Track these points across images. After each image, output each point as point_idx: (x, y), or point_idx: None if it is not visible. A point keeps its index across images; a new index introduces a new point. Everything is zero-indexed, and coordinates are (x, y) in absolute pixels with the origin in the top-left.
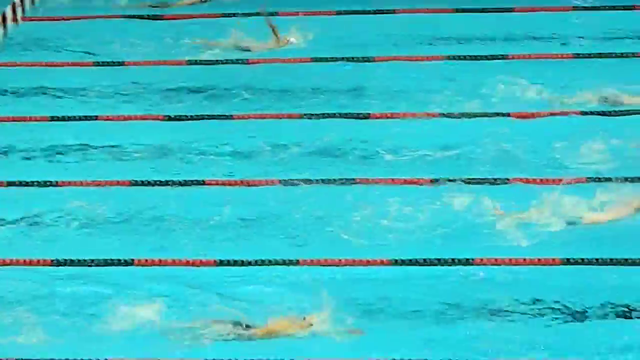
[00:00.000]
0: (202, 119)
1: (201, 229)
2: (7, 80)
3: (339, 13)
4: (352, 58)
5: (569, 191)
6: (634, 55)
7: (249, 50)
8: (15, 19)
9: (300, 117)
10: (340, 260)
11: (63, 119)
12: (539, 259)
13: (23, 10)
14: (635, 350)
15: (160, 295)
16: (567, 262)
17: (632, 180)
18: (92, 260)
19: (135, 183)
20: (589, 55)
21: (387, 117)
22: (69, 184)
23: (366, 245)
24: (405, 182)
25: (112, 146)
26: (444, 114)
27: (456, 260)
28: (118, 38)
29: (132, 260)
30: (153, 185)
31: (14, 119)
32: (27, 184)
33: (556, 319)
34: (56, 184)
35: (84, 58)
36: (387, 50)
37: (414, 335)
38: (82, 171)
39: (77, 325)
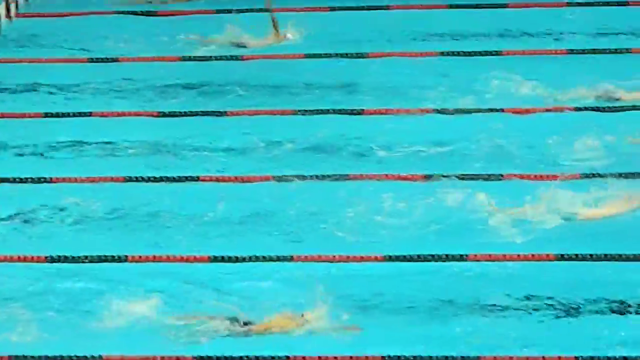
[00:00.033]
0: (196, 115)
1: (195, 225)
2: (1, 77)
3: (332, 9)
4: (346, 54)
5: (563, 187)
6: (627, 51)
7: (244, 47)
8: (9, 16)
9: (294, 113)
10: (334, 256)
11: (57, 115)
12: (532, 255)
13: (17, 6)
14: (630, 345)
15: (155, 291)
16: (561, 257)
17: (627, 176)
18: (86, 257)
19: (129, 179)
20: (583, 51)
21: (381, 113)
22: (63, 180)
23: (360, 241)
24: (399, 178)
25: (106, 142)
26: (437, 110)
27: (450, 256)
28: (112, 34)
29: (126, 256)
30: (147, 181)
31: (8, 116)
32: (21, 181)
33: (550, 314)
34: (50, 181)
35: (78, 54)
36: (381, 46)
37: (407, 331)
38: (76, 167)
39: (72, 321)
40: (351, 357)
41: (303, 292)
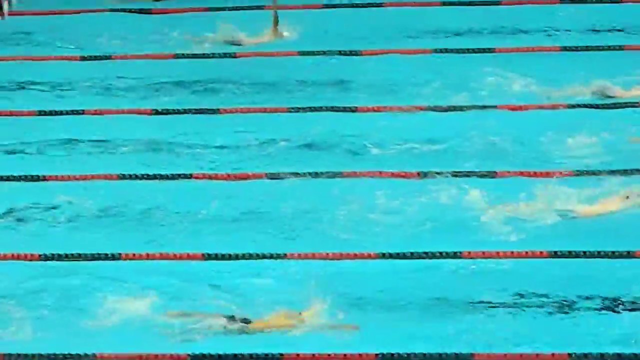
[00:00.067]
0: (190, 113)
1: (189, 222)
2: None
3: (326, 7)
4: (340, 52)
5: (557, 184)
6: (620, 47)
7: (239, 44)
8: (2, 14)
9: (288, 110)
10: (327, 254)
11: (50, 113)
12: (526, 252)
13: (10, 4)
14: (624, 342)
15: (149, 289)
16: (555, 255)
17: (622, 173)
18: (80, 255)
19: (122, 177)
20: (577, 48)
21: (375, 111)
22: (56, 178)
23: (354, 238)
24: (393, 175)
25: (100, 140)
26: (431, 107)
27: (444, 254)
28: (106, 32)
29: (120, 254)
30: (140, 179)
31: (1, 114)
32: (14, 179)
33: (544, 312)
34: (43, 179)
35: (72, 52)
36: (375, 43)
37: (401, 329)
38: (69, 165)
39: (66, 319)
40: (345, 355)
41: (297, 289)
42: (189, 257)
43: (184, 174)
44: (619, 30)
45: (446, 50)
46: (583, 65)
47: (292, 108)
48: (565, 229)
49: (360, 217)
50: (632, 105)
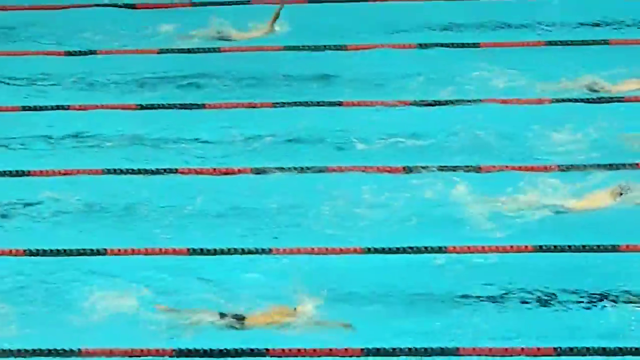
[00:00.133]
0: (174, 108)
1: (175, 217)
2: None
3: (311, 1)
4: (325, 46)
5: (544, 179)
6: (605, 42)
7: (229, 40)
8: None
9: (273, 105)
10: (312, 248)
11: (35, 108)
12: (511, 247)
13: None
14: (609, 336)
15: (134, 284)
16: (540, 249)
17: (609, 167)
18: (65, 250)
19: (107, 172)
20: (563, 43)
21: (360, 105)
22: (41, 173)
23: (339, 233)
24: (379, 170)
25: (84, 135)
26: (417, 102)
27: (429, 248)
28: (90, 27)
29: (105, 249)
30: (126, 174)
31: None
32: None
33: (529, 306)
34: (28, 174)
35: (56, 47)
36: (360, 38)
37: (387, 324)
38: (53, 161)
39: (51, 315)
40: (331, 350)
41: (282, 285)
42: (175, 252)
43: (169, 169)
44: (605, 24)
45: (432, 45)
46: (569, 59)
47: (278, 103)
48: (551, 224)
49: (345, 212)
50: (618, 99)
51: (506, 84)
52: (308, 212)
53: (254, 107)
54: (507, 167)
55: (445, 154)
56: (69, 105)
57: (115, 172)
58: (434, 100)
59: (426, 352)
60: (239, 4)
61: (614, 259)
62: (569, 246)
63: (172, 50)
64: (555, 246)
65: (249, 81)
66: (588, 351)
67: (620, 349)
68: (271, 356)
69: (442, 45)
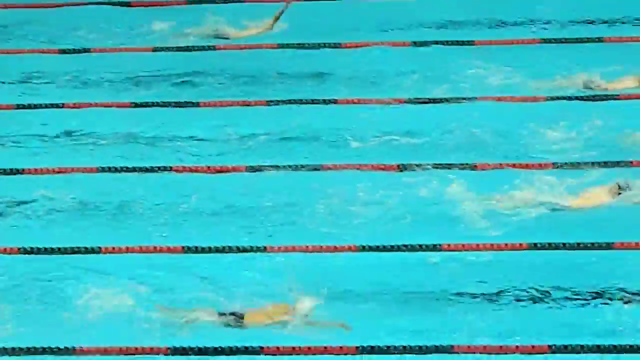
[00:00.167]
0: (169, 106)
1: (169, 215)
2: None
3: None
4: (320, 44)
5: (539, 176)
6: (600, 39)
7: (225, 38)
8: None
9: (267, 103)
10: (308, 246)
11: (29, 107)
12: (506, 244)
13: None
14: (604, 334)
15: (129, 282)
16: (534, 247)
17: (604, 165)
18: (60, 249)
19: (102, 170)
20: (558, 40)
21: (355, 103)
22: (35, 171)
23: (334, 231)
24: (373, 168)
25: (79, 133)
26: (412, 100)
27: (424, 246)
28: (85, 25)
29: (100, 248)
30: (120, 172)
31: None
32: None
33: (524, 304)
34: (22, 172)
35: (50, 45)
36: (355, 36)
37: (381, 321)
38: (48, 159)
39: (47, 313)
40: (325, 348)
41: (277, 283)
42: (170, 250)
43: (163, 167)
44: (599, 22)
45: (427, 43)
46: (563, 57)
47: (272, 101)
48: (547, 222)
49: (340, 209)
50: (614, 97)
51: (501, 82)
52: (303, 210)
53: (248, 105)
54: (502, 164)
55: (440, 151)
56: (63, 104)
57: (109, 170)
58: (429, 98)
59: (420, 349)
60: (235, 2)
61: (608, 256)
62: (564, 244)
63: (167, 48)
64: (549, 244)
65: (244, 79)
66: (582, 349)
67: (614, 346)
68: (265, 354)
69: (437, 43)
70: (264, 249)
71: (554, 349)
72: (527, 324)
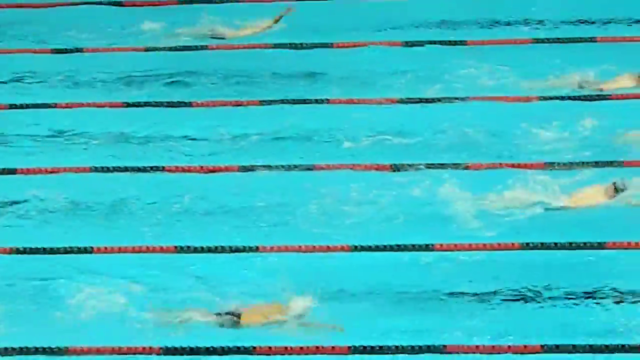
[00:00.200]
0: (162, 106)
1: (162, 215)
2: None
3: None
4: (312, 44)
5: (533, 176)
6: (592, 39)
7: (218, 38)
8: None
9: (260, 103)
10: (300, 246)
11: (21, 106)
12: (499, 244)
13: None
14: (596, 334)
15: (121, 282)
16: (528, 246)
17: (597, 165)
18: (52, 249)
19: (94, 170)
20: (551, 40)
21: (347, 103)
22: (28, 171)
23: (327, 231)
24: (366, 168)
25: (71, 133)
26: (404, 100)
27: (417, 246)
28: (78, 25)
29: (92, 247)
30: (112, 171)
31: None
32: None
33: (516, 303)
34: (14, 172)
35: (42, 45)
36: (347, 36)
37: (374, 321)
38: (41, 158)
39: (39, 314)
40: (317, 347)
41: (270, 283)
42: (162, 249)
43: (156, 167)
44: (592, 22)
45: (419, 43)
46: (556, 57)
47: (265, 101)
48: (539, 222)
49: (333, 209)
50: (607, 97)
51: (494, 82)
52: (295, 210)
53: (241, 105)
54: (495, 164)
55: (433, 151)
56: (55, 104)
57: (102, 170)
58: (421, 98)
59: (413, 349)
60: (228, 2)
61: (601, 256)
62: (556, 244)
63: (159, 48)
64: (542, 244)
65: (237, 79)
66: (575, 348)
67: (607, 346)
68: (258, 354)
69: (429, 42)
70: (257, 249)
71: (546, 349)
72: (520, 323)
